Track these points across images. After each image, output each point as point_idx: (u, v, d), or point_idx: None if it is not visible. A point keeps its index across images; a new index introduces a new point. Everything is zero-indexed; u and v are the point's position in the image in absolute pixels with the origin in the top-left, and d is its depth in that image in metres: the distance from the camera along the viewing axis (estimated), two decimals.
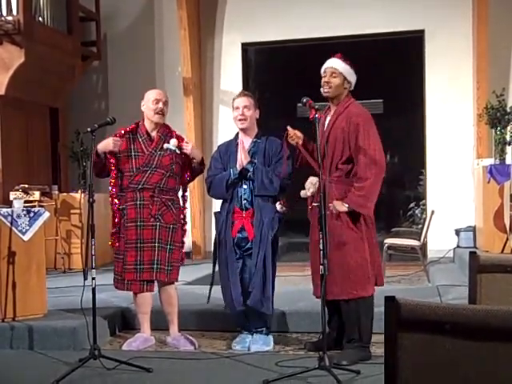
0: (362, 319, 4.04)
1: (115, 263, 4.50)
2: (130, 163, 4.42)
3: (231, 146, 4.48)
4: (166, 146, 4.43)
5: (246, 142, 4.43)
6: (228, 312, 4.49)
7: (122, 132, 4.47)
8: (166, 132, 4.54)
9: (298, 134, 4.19)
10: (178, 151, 4.44)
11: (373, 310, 4.11)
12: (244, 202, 4.35)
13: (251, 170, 4.32)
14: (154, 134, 4.49)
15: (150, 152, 4.43)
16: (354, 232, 4.01)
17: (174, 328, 4.60)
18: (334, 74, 4.12)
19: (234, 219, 4.36)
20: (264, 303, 4.29)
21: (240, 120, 4.39)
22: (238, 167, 4.31)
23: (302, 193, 4.25)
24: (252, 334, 4.45)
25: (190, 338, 4.57)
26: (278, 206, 4.34)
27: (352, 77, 4.16)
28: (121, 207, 4.42)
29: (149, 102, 4.47)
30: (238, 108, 4.40)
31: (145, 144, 4.46)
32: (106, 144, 4.34)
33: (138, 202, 4.38)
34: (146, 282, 4.41)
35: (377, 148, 4.00)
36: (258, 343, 4.38)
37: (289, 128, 4.18)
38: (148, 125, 4.50)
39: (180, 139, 4.51)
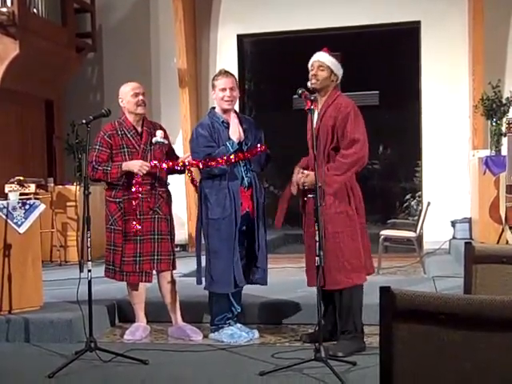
0: (355, 308, 4.06)
1: (110, 254, 4.50)
2: (123, 159, 4.42)
3: (216, 125, 4.39)
4: (154, 140, 4.48)
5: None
6: (220, 292, 4.37)
7: (109, 132, 4.46)
8: (150, 125, 4.59)
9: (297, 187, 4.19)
10: (166, 142, 4.53)
11: (362, 298, 4.14)
12: (246, 179, 4.38)
13: (246, 146, 4.37)
14: (139, 128, 4.52)
15: (143, 148, 4.47)
16: (347, 220, 4.03)
17: (177, 317, 4.61)
18: (321, 68, 4.15)
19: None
20: (265, 278, 4.47)
21: (227, 101, 4.38)
22: (236, 140, 4.32)
23: (294, 190, 4.21)
24: (233, 325, 4.47)
25: (194, 328, 4.57)
26: None
27: (338, 70, 4.21)
28: (117, 200, 4.43)
29: (127, 96, 4.48)
30: (224, 89, 4.37)
31: (135, 140, 4.48)
32: (132, 166, 4.34)
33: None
34: (144, 273, 4.45)
35: (361, 138, 4.03)
36: (252, 333, 4.46)
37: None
38: (132, 118, 4.51)
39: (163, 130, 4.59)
